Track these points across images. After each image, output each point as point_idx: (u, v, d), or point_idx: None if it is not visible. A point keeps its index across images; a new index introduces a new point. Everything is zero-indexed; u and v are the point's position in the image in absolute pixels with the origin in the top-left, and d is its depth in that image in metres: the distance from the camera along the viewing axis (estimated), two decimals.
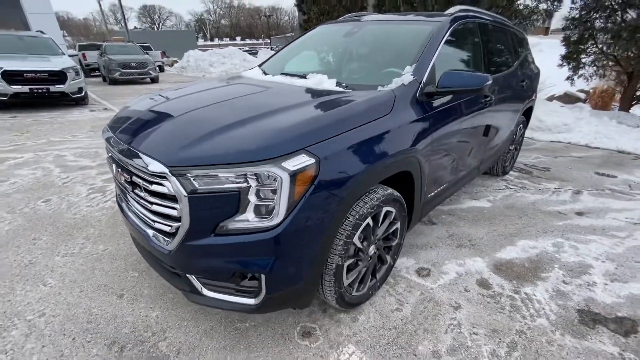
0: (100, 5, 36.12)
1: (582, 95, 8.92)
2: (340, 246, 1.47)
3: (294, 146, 1.23)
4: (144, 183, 1.36)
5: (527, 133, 5.62)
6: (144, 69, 13.11)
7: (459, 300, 1.89)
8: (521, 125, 3.56)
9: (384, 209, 1.68)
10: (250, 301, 1.37)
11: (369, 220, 1.59)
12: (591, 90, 8.69)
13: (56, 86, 6.87)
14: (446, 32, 2.09)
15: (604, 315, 1.79)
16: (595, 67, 6.24)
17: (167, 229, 1.36)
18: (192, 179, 1.22)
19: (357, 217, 1.50)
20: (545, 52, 14.94)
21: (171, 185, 1.24)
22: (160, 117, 1.58)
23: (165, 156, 1.27)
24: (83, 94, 7.45)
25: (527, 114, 3.67)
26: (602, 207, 3.03)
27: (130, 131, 1.55)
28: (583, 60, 6.39)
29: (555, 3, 5.61)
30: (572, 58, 6.38)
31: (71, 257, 2.24)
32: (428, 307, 1.84)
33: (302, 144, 1.25)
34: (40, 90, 6.68)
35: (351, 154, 1.39)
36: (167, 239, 1.38)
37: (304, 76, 2.09)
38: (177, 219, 1.30)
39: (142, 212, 1.49)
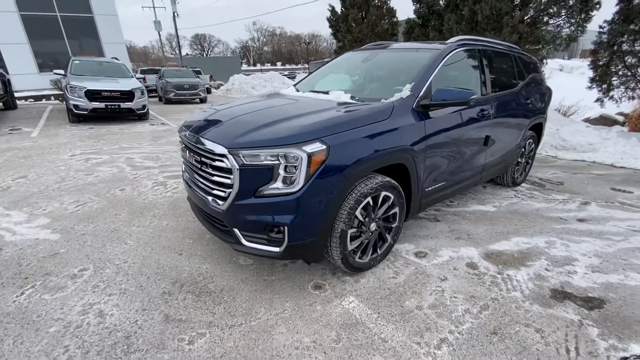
0: (159, 35, 40.59)
1: (621, 118, 8.70)
2: (344, 215, 1.96)
3: (311, 136, 1.78)
4: (210, 161, 1.96)
5: (550, 151, 5.77)
6: (194, 90, 14.64)
7: (447, 275, 2.26)
8: (530, 140, 3.84)
9: (383, 193, 2.14)
10: (276, 249, 1.89)
11: (369, 199, 2.07)
12: (630, 113, 8.49)
13: (125, 103, 8.12)
14: (444, 57, 2.57)
15: (576, 294, 2.07)
16: (624, 89, 6.26)
17: (222, 194, 1.94)
18: (242, 157, 1.79)
19: (358, 194, 1.98)
20: (587, 75, 14.61)
21: (228, 162, 1.82)
22: (215, 120, 2.22)
23: (225, 142, 1.87)
24: (145, 110, 8.68)
25: (537, 130, 3.95)
26: (605, 216, 3.21)
27: (197, 129, 2.18)
28: (613, 83, 6.44)
29: (579, 29, 5.82)
30: (601, 80, 6.45)
31: (143, 228, 2.91)
32: (419, 277, 2.23)
33: (317, 135, 1.79)
34: (113, 107, 7.95)
35: (354, 145, 1.90)
36: (220, 202, 1.95)
37: (327, 92, 2.66)
38: (230, 186, 1.88)
39: (205, 183, 2.09)
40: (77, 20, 13.28)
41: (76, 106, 7.65)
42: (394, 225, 2.36)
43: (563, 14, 5.78)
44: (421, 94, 2.34)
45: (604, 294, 2.08)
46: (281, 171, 1.77)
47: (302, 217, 1.81)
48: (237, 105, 2.55)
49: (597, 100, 6.75)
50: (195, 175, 2.22)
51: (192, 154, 2.16)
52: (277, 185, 1.79)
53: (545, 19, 6.02)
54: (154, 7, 40.08)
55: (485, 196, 3.71)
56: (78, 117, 7.97)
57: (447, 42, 2.81)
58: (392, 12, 9.25)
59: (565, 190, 3.93)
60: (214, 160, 1.92)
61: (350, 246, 2.09)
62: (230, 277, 2.24)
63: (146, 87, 19.09)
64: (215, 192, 2.00)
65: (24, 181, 4.06)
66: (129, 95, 8.15)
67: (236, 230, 1.97)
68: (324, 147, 1.78)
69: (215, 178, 1.96)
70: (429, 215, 3.21)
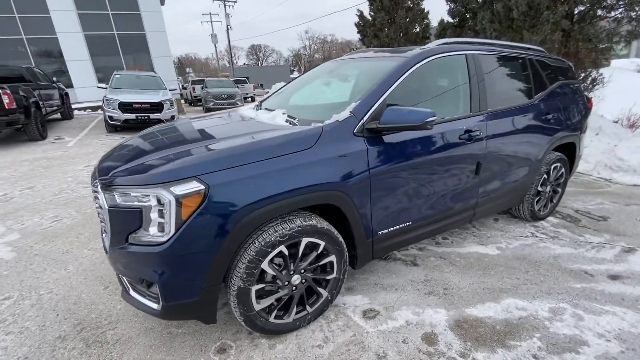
0: (215, 47, 43.46)
1: None
2: (242, 269, 1.57)
3: (186, 173, 1.43)
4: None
5: (604, 172, 4.69)
6: (232, 99, 15.19)
7: (388, 350, 1.74)
8: (558, 165, 3.04)
9: (305, 240, 1.72)
10: (155, 306, 1.57)
11: (283, 249, 1.66)
12: None
13: (155, 114, 8.54)
14: (409, 68, 2.05)
15: None
16: None
17: (105, 236, 1.68)
18: (115, 195, 1.51)
19: (262, 243, 1.58)
20: None
21: (102, 199, 1.55)
22: (126, 145, 2.00)
23: (104, 174, 1.61)
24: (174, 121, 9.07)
25: (567, 150, 3.13)
26: None
27: (103, 157, 1.98)
28: None
29: None
30: None
31: (93, 252, 2.80)
32: (351, 350, 1.74)
33: (194, 171, 1.44)
34: (143, 117, 8.40)
35: (252, 184, 1.51)
36: (107, 243, 1.70)
37: (271, 110, 2.30)
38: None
39: None
40: (131, 37, 14.60)
41: (111, 117, 8.22)
42: (331, 277, 1.91)
43: (621, 5, 4.66)
44: (368, 115, 1.86)
45: None
46: (154, 216, 1.45)
47: (174, 274, 1.47)
48: (168, 126, 2.31)
49: None
50: None
51: None
52: (148, 233, 1.47)
53: (599, 12, 4.93)
54: (211, 22, 43.15)
55: (492, 233, 3.00)
56: (114, 127, 8.57)
57: (422, 47, 2.28)
58: (423, 14, 8.52)
59: (606, 230, 3.04)
60: (95, 194, 1.68)
61: (259, 305, 1.69)
62: (136, 324, 1.97)
63: (195, 96, 20.64)
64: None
65: (28, 192, 4.31)
66: (158, 106, 8.55)
67: (123, 277, 1.70)
68: (202, 187, 1.43)
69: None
70: (408, 255, 2.64)
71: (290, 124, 2.01)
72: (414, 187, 2.06)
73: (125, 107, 8.20)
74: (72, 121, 10.72)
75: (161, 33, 14.79)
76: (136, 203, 1.46)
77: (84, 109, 12.97)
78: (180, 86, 26.19)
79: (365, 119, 1.86)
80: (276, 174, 1.57)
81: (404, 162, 1.97)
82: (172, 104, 8.93)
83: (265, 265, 1.63)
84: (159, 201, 1.43)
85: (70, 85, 13.73)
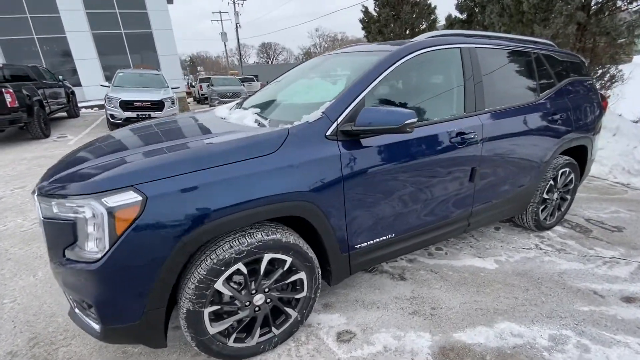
0: (225, 45, 43.69)
1: None
2: (191, 290, 1.40)
3: (121, 182, 1.26)
4: None
5: (621, 177, 4.35)
6: (237, 97, 15.09)
7: None
8: (566, 169, 2.76)
9: (268, 256, 1.53)
10: (96, 327, 1.41)
11: (241, 266, 1.47)
12: None
13: (156, 112, 8.48)
14: (394, 64, 1.84)
15: None
16: None
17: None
18: (50, 204, 1.35)
19: (214, 261, 1.41)
20: None
21: (38, 208, 1.40)
22: (79, 149, 1.86)
23: (41, 181, 1.46)
24: None
25: (577, 154, 2.85)
26: None
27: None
28: None
29: None
30: None
31: None
32: None
33: (131, 180, 1.27)
34: (143, 116, 8.35)
35: (198, 194, 1.33)
36: None
37: (247, 109, 2.12)
38: None
39: None
40: (138, 36, 14.67)
41: (112, 115, 8.19)
42: (301, 296, 1.72)
43: None
44: (343, 116, 1.66)
45: None
46: (90, 229, 1.29)
47: (110, 295, 1.31)
48: (131, 128, 2.16)
49: None
50: None
51: None
52: (82, 248, 1.31)
53: (619, 2, 4.55)
54: (221, 20, 43.35)
55: (491, 243, 2.75)
56: (116, 126, 8.55)
57: (409, 41, 2.05)
58: (430, 9, 8.19)
59: (621, 242, 2.75)
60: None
61: (215, 328, 1.52)
62: (91, 341, 1.82)
63: (202, 94, 20.67)
64: None
65: (19, 192, 4.25)
66: (158, 104, 8.49)
67: (67, 295, 1.55)
68: (139, 198, 1.25)
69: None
70: (396, 268, 2.43)
71: (259, 125, 1.82)
72: (396, 196, 1.85)
73: (126, 105, 8.16)
74: (77, 119, 10.81)
75: (168, 31, 14.81)
76: (70, 215, 1.30)
77: (92, 107, 13.10)
78: (189, 84, 26.37)
79: (339, 120, 1.65)
80: (229, 182, 1.39)
81: (384, 168, 1.76)
82: (173, 103, 8.86)
83: (219, 285, 1.45)
84: (92, 213, 1.27)
85: (79, 84, 13.90)
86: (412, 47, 1.93)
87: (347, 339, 1.79)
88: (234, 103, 2.67)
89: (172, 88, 9.50)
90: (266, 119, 1.89)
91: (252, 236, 1.48)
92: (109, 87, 9.09)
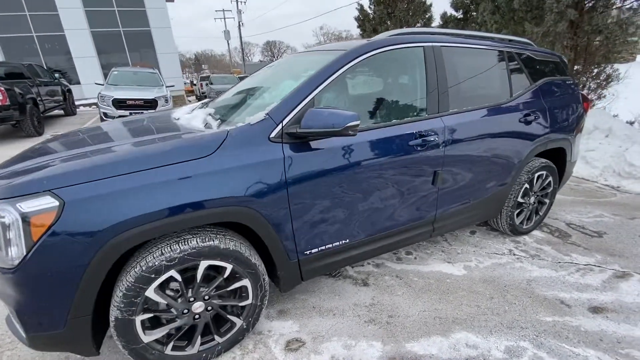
0: (228, 44, 43.65)
1: None
2: (118, 298, 1.35)
3: (36, 187, 1.21)
4: None
5: (612, 179, 4.23)
6: None
7: None
8: (543, 172, 2.67)
9: (204, 263, 1.48)
10: (24, 335, 1.37)
11: (174, 274, 1.42)
12: None
13: (149, 111, 8.47)
14: (348, 63, 1.77)
15: None
16: None
17: None
18: None
19: (143, 269, 1.36)
20: None
21: None
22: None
23: None
24: None
25: (555, 156, 2.76)
26: None
27: None
28: None
29: None
30: None
31: None
32: None
33: (48, 185, 1.22)
34: (137, 114, 8.35)
35: (123, 199, 1.28)
36: None
37: (206, 109, 2.06)
38: None
39: None
40: (137, 34, 14.69)
41: (105, 114, 8.19)
42: (245, 304, 1.66)
43: None
44: (289, 118, 1.60)
45: None
46: (8, 235, 1.24)
47: (29, 302, 1.27)
48: (81, 129, 2.12)
49: None
50: None
51: None
52: (4, 254, 1.26)
53: (613, 0, 4.41)
54: (224, 18, 43.34)
55: (464, 248, 2.67)
56: None
57: (370, 39, 1.98)
58: (425, 7, 8.06)
59: (599, 249, 2.66)
60: None
61: (149, 336, 1.47)
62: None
63: (202, 93, 20.71)
64: None
65: None
66: (152, 103, 8.48)
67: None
68: (55, 203, 1.20)
69: None
70: (361, 273, 2.36)
71: (205, 126, 1.76)
72: (350, 201, 1.79)
73: (119, 103, 8.16)
74: (74, 117, 10.84)
75: (166, 29, 14.81)
76: None
77: (90, 105, 13.14)
78: (191, 82, 26.42)
79: (285, 122, 1.59)
80: (156, 187, 1.33)
81: (335, 173, 1.70)
82: (167, 101, 8.84)
83: (151, 293, 1.40)
84: (10, 219, 1.22)
85: (77, 82, 13.96)
86: (369, 46, 1.86)
87: (296, 347, 1.74)
88: (200, 103, 2.62)
89: (167, 86, 9.50)
90: (219, 120, 1.83)
91: (186, 243, 1.43)
92: (103, 85, 9.10)
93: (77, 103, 12.32)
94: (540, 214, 2.88)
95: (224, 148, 1.48)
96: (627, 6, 4.42)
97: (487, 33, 2.55)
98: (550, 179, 2.76)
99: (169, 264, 1.39)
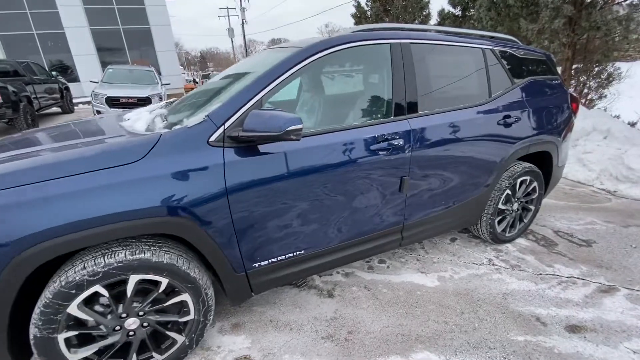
0: (232, 41, 43.59)
1: None
2: (37, 315, 1.25)
3: None
4: None
5: (608, 183, 4.04)
6: None
7: None
8: (526, 178, 2.52)
9: (134, 277, 1.37)
10: None
11: (99, 289, 1.32)
12: None
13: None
14: (302, 61, 1.64)
15: None
16: None
17: None
18: None
19: (62, 284, 1.25)
20: None
21: None
22: None
23: None
24: None
25: (539, 160, 2.60)
26: (630, 325, 1.84)
27: None
28: None
29: None
30: None
31: None
32: None
33: None
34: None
35: (33, 209, 1.17)
36: None
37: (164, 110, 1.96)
38: None
39: None
40: (136, 31, 14.66)
41: (98, 112, 8.16)
42: (187, 319, 1.55)
43: None
44: (232, 120, 1.48)
45: None
46: None
47: None
48: (30, 130, 2.02)
49: None
50: None
51: None
52: None
53: None
54: (228, 16, 43.31)
55: (441, 257, 2.53)
56: None
57: (332, 36, 1.85)
58: (422, 4, 7.86)
59: (586, 259, 2.50)
60: None
61: (76, 355, 1.37)
62: None
63: None
64: None
65: None
66: (145, 101, 8.41)
67: None
68: None
69: None
70: (328, 283, 2.24)
71: (147, 129, 1.65)
72: (303, 210, 1.66)
73: (112, 101, 8.11)
74: (71, 115, 10.85)
75: (166, 27, 14.75)
76: None
77: (89, 102, 13.16)
78: (194, 80, 26.49)
79: (227, 125, 1.48)
80: (71, 197, 1.22)
81: (285, 179, 1.57)
82: (161, 99, 8.78)
83: (73, 309, 1.30)
84: None
85: (77, 80, 13.99)
86: (326, 43, 1.73)
87: None
88: (165, 102, 2.52)
89: (162, 84, 9.44)
90: (166, 122, 1.72)
91: (113, 256, 1.32)
92: (97, 82, 9.07)
93: (76, 101, 12.37)
94: (525, 221, 2.73)
95: (155, 153, 1.36)
96: (628, 2, 4.21)
97: (468, 30, 2.39)
98: (535, 184, 2.61)
99: (91, 278, 1.28)
